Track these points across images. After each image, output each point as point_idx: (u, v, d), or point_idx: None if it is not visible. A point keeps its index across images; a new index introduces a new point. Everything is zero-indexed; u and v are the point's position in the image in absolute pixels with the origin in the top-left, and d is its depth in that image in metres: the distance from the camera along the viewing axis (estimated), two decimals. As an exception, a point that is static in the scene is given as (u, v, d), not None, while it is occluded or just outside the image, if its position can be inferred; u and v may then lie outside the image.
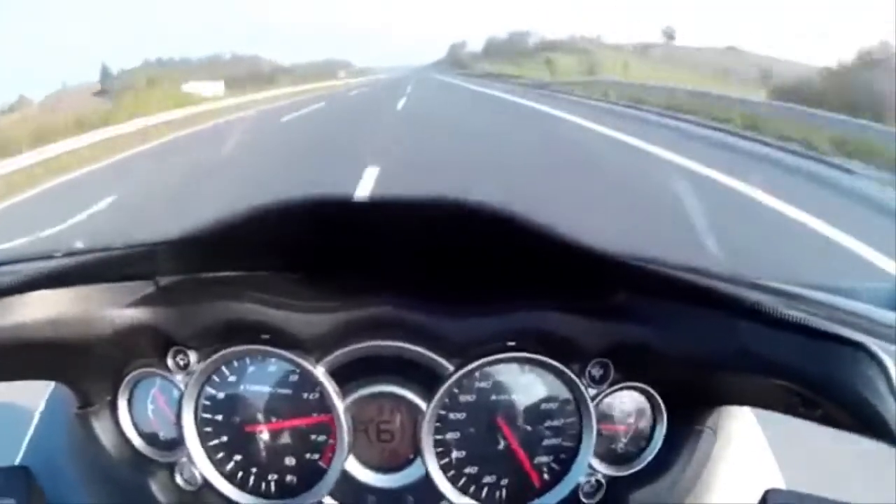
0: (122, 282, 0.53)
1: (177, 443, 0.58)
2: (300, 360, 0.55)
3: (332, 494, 0.57)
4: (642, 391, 0.58)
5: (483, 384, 0.57)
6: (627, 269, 0.51)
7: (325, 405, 0.56)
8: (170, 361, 0.57)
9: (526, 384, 0.57)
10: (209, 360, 0.56)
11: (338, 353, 0.57)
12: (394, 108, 14.19)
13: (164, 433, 0.59)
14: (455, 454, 0.57)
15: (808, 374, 0.45)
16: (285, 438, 0.58)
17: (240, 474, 0.58)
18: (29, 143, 9.47)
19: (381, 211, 0.54)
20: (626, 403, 0.59)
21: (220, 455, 0.58)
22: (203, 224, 0.50)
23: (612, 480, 0.58)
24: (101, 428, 0.58)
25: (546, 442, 0.58)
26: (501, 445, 0.57)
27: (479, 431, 0.57)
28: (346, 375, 0.57)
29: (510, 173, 5.96)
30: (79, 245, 0.50)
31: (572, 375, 0.56)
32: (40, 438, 0.60)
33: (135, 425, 0.59)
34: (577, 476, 0.57)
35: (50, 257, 0.48)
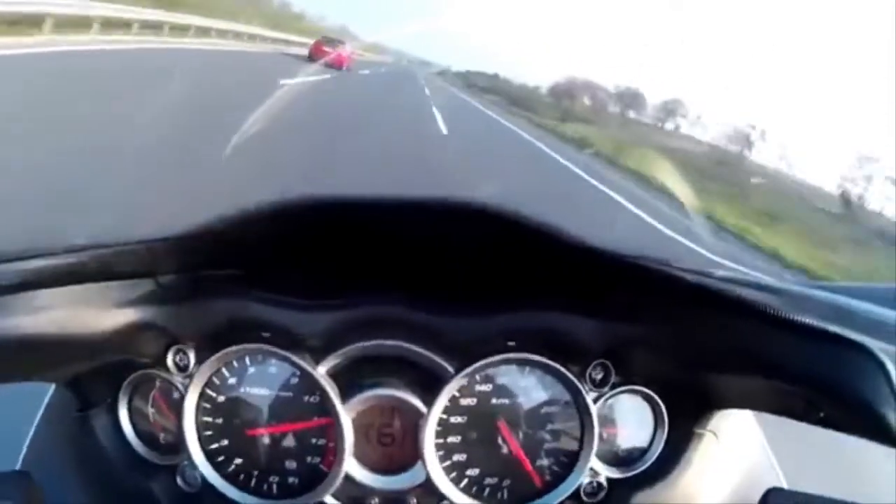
0: (123, 280, 0.53)
1: (177, 445, 0.58)
2: (301, 362, 0.55)
3: (334, 495, 0.57)
4: (643, 394, 0.58)
5: (484, 387, 0.57)
6: (629, 268, 0.51)
7: (325, 408, 0.56)
8: (169, 361, 0.57)
9: (527, 387, 0.57)
10: (209, 361, 0.56)
11: (339, 353, 0.57)
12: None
13: (165, 436, 0.59)
14: (456, 457, 0.57)
15: (810, 376, 0.45)
16: (286, 441, 0.57)
17: (241, 476, 0.58)
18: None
19: (383, 210, 0.53)
20: (627, 406, 0.59)
21: (221, 458, 0.57)
22: (204, 221, 0.50)
23: (613, 482, 0.58)
24: (101, 430, 0.58)
25: (547, 445, 0.58)
26: (503, 448, 0.57)
27: (480, 435, 0.57)
28: (346, 378, 0.57)
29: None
30: (79, 241, 0.50)
31: (573, 378, 0.56)
32: (40, 441, 0.60)
33: (135, 428, 0.59)
34: (579, 478, 0.57)
35: (50, 254, 0.47)
